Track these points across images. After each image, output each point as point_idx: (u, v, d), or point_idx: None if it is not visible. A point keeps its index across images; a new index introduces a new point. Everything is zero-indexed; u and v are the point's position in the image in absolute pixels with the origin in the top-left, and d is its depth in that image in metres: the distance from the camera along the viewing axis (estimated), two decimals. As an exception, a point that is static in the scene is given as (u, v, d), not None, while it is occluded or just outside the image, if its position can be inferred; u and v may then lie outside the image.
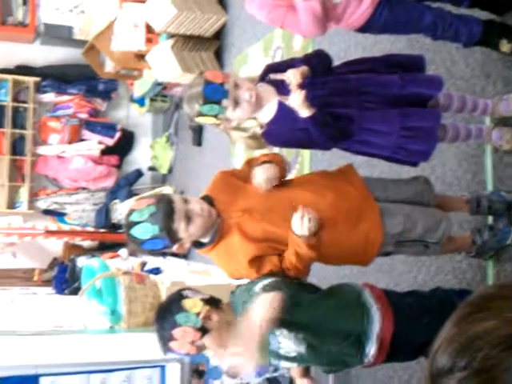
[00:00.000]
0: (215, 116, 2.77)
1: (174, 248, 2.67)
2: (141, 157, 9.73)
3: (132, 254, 6.91)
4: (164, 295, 4.10)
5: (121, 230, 7.93)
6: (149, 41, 7.63)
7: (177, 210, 2.56)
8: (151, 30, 7.52)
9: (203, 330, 2.50)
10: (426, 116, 3.00)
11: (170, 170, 9.10)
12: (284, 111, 2.86)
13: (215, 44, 7.51)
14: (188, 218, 2.58)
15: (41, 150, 9.35)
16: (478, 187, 3.56)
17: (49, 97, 9.41)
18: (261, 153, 3.05)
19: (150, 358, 3.69)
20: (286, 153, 4.50)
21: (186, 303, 2.52)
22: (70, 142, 9.35)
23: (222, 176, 2.92)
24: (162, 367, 3.81)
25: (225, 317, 2.58)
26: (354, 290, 2.72)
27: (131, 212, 2.58)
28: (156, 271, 5.88)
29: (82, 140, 9.47)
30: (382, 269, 4.19)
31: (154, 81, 8.19)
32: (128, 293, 4.14)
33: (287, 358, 2.63)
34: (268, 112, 2.90)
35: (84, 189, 9.35)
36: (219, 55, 7.54)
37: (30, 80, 9.26)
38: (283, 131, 2.93)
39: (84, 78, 9.37)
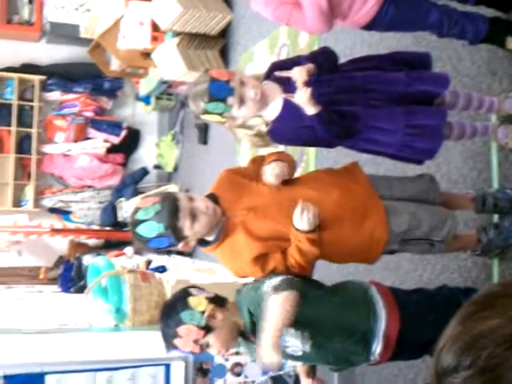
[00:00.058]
0: (220, 114, 2.77)
1: (179, 246, 2.67)
2: (146, 155, 9.74)
3: (137, 252, 6.91)
4: (169, 293, 4.10)
5: (126, 229, 7.94)
6: (154, 39, 7.64)
7: (182, 208, 2.56)
8: (157, 28, 7.52)
9: (207, 329, 2.50)
10: (432, 114, 2.99)
11: (176, 169, 9.09)
12: (289, 109, 2.85)
13: (221, 42, 7.51)
14: (193, 216, 2.58)
15: (47, 148, 9.36)
16: (483, 185, 3.55)
17: (54, 95, 9.42)
18: (267, 151, 3.04)
19: (154, 356, 3.69)
20: (292, 151, 4.50)
21: (191, 301, 2.53)
22: (75, 141, 9.36)
23: (227, 174, 2.91)
24: (167, 365, 3.82)
25: (229, 316, 2.58)
26: (361, 287, 2.72)
27: (137, 210, 2.58)
28: (161, 269, 5.88)
29: (88, 138, 9.48)
30: (388, 267, 4.18)
31: (160, 79, 8.19)
32: (133, 291, 4.14)
33: (293, 357, 2.64)
34: (273, 110, 2.89)
35: (90, 187, 9.36)
36: (225, 53, 7.53)
37: (36, 78, 9.27)
38: (288, 129, 2.93)
39: (90, 77, 9.37)
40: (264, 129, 2.92)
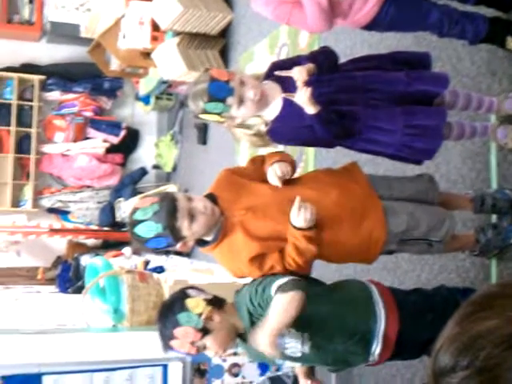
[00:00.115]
0: (219, 114, 2.77)
1: (178, 246, 2.66)
2: (145, 155, 9.74)
3: (135, 252, 6.90)
4: (167, 294, 4.10)
5: (125, 229, 7.93)
6: (154, 39, 7.64)
7: (180, 208, 2.55)
8: (157, 28, 7.52)
9: (204, 331, 2.50)
10: (432, 114, 2.99)
11: (175, 169, 9.10)
12: (289, 109, 2.85)
13: (221, 42, 7.50)
14: (191, 216, 2.58)
15: (46, 148, 9.37)
16: (482, 185, 3.55)
17: (54, 95, 9.42)
18: (266, 151, 3.04)
19: (152, 356, 3.68)
20: (291, 151, 4.49)
21: (189, 303, 2.52)
22: (75, 141, 9.36)
23: (226, 174, 2.91)
24: (165, 366, 3.81)
25: (227, 317, 2.57)
26: (361, 286, 2.73)
27: (135, 210, 2.58)
28: (159, 270, 5.88)
29: (87, 138, 9.49)
30: (386, 267, 4.18)
31: (160, 79, 8.20)
32: (131, 291, 4.13)
33: (292, 358, 2.63)
34: (273, 109, 2.89)
35: (88, 187, 9.37)
36: (225, 53, 7.53)
37: (36, 78, 9.28)
38: (288, 129, 2.92)
39: (89, 76, 9.38)
40: (263, 128, 2.92)
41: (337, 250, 2.79)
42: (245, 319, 2.58)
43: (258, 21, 6.47)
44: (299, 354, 2.58)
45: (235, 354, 3.86)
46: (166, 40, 7.47)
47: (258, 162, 2.91)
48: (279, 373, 3.89)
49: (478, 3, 3.28)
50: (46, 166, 9.34)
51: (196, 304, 2.52)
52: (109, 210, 8.73)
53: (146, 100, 9.24)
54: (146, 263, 6.34)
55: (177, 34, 7.34)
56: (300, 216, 2.58)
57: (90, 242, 8.99)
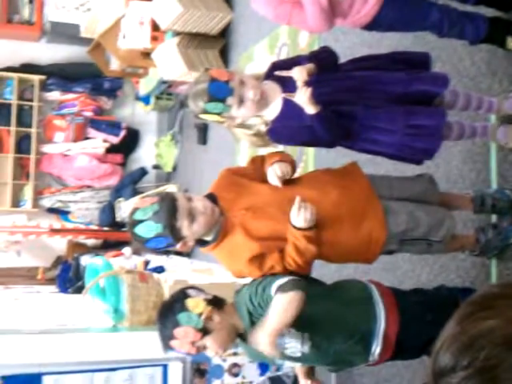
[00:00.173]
0: (219, 114, 2.77)
1: (178, 246, 2.66)
2: (145, 155, 9.74)
3: (136, 252, 6.90)
4: (167, 294, 4.10)
5: (125, 229, 7.93)
6: (154, 39, 7.64)
7: (180, 208, 2.55)
8: (157, 28, 7.52)
9: (204, 331, 2.50)
10: (432, 114, 2.98)
11: (175, 169, 9.10)
12: (289, 109, 2.84)
13: (221, 42, 7.50)
14: (191, 216, 2.57)
15: (46, 148, 9.37)
16: (482, 185, 3.55)
17: (54, 95, 9.42)
18: (266, 151, 3.04)
19: (152, 356, 3.69)
20: (291, 150, 4.48)
21: (189, 303, 2.52)
22: (75, 141, 9.36)
23: (226, 174, 2.91)
24: (165, 366, 3.81)
25: (227, 317, 2.57)
26: (361, 286, 2.73)
27: (135, 210, 2.57)
28: (159, 270, 5.88)
29: (87, 138, 9.49)
30: (386, 267, 4.18)
31: (160, 79, 8.20)
32: (131, 291, 4.13)
33: (292, 358, 2.63)
34: (273, 109, 2.89)
35: (88, 187, 9.37)
36: (225, 53, 7.53)
37: (36, 78, 9.28)
38: (288, 129, 2.92)
39: (89, 76, 9.38)
40: (263, 128, 2.91)
41: (337, 250, 2.79)
42: (245, 319, 2.57)
43: (258, 21, 6.46)
44: (299, 354, 2.57)
45: (235, 354, 3.86)
46: (166, 40, 7.47)
47: (258, 162, 2.91)
48: (279, 373, 3.89)
49: (477, 3, 3.28)
50: (45, 166, 9.34)
51: (196, 304, 2.52)
52: (109, 210, 8.73)
53: (146, 100, 9.24)
54: (146, 263, 6.34)
55: (177, 34, 7.34)
56: (300, 216, 2.58)
57: (90, 242, 9.00)
